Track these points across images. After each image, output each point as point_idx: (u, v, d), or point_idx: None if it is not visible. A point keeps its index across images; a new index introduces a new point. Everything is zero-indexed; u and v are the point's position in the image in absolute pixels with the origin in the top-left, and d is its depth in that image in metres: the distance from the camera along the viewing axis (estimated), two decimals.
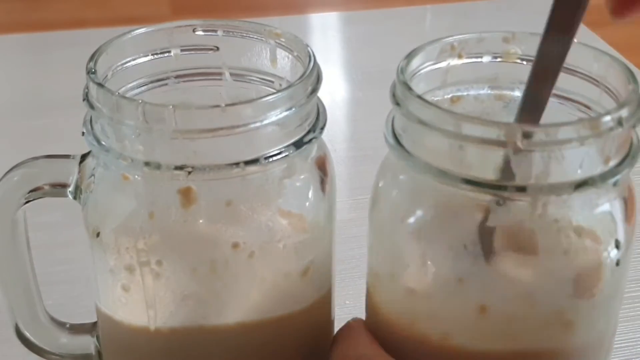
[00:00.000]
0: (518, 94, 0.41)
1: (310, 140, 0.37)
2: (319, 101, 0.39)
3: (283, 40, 0.41)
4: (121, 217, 0.38)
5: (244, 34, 0.42)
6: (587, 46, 0.39)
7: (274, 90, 0.38)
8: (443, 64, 0.41)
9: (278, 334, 0.40)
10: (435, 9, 0.99)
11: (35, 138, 0.75)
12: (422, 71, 0.40)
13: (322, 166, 0.40)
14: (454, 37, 0.41)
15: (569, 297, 0.36)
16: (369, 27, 0.92)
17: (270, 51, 0.41)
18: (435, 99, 0.41)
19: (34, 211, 0.42)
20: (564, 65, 0.39)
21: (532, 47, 0.40)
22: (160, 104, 0.35)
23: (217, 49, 0.42)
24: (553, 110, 0.40)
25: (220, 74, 0.42)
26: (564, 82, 0.40)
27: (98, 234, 0.38)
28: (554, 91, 0.40)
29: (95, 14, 1.68)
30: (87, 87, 0.37)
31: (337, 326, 0.43)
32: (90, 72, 0.37)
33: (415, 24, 0.91)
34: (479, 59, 0.41)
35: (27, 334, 0.44)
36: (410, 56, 0.39)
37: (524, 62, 0.41)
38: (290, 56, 0.40)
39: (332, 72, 0.88)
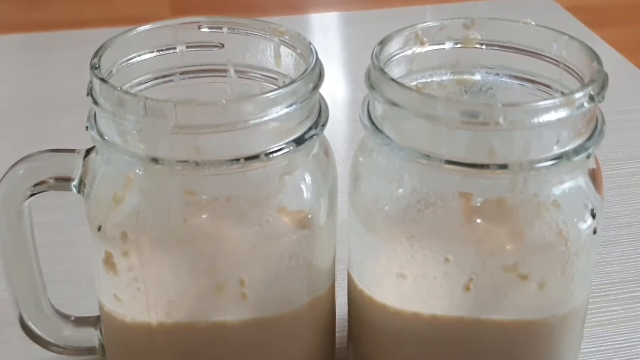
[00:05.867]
0: (478, 77, 0.33)
1: (311, 137, 0.30)
2: (321, 98, 0.32)
3: (287, 37, 0.33)
4: (123, 212, 0.30)
5: (249, 32, 0.33)
6: (544, 27, 0.32)
7: (278, 87, 0.30)
8: (409, 52, 0.33)
9: (278, 332, 0.32)
10: (435, 9, 0.85)
11: (35, 138, 0.63)
12: (392, 59, 0.32)
13: (323, 163, 0.32)
14: (419, 26, 0.32)
15: (551, 269, 0.28)
16: (369, 27, 0.76)
17: (274, 48, 0.33)
18: None
19: (35, 211, 0.33)
20: (524, 47, 0.32)
21: (491, 33, 0.33)
22: (161, 100, 0.28)
23: (222, 46, 0.33)
24: (514, 92, 0.33)
25: (225, 70, 0.34)
26: (523, 63, 0.32)
27: (100, 228, 0.30)
28: (514, 73, 0.32)
29: (94, 14, 1.52)
30: (90, 82, 0.29)
31: (339, 326, 0.35)
32: (94, 67, 0.29)
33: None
34: (441, 46, 0.33)
35: (32, 326, 0.35)
36: (382, 43, 0.31)
37: (484, 47, 0.33)
38: (293, 54, 0.32)
39: (332, 72, 0.74)
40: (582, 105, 0.27)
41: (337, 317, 0.35)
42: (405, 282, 0.30)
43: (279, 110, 0.28)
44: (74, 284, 0.43)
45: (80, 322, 0.35)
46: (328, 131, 0.31)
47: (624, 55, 0.70)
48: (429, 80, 0.34)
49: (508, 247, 0.28)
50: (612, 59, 0.68)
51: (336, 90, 0.69)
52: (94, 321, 0.35)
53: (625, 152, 0.55)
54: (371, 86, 0.29)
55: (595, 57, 0.29)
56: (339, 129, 0.63)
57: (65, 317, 0.35)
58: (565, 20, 0.75)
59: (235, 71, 0.34)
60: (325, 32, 0.80)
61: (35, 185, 0.31)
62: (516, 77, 0.33)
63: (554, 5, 0.79)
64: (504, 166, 0.27)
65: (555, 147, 0.28)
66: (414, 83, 0.33)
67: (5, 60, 0.74)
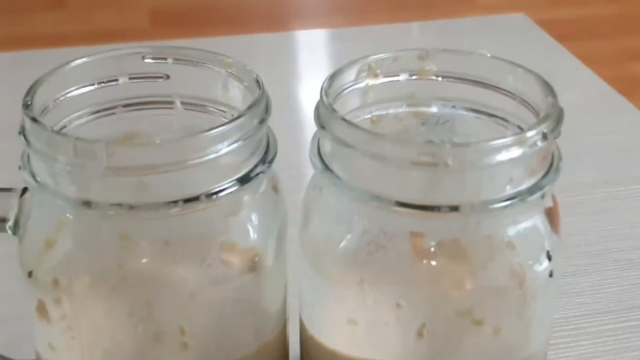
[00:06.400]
0: (435, 110, 0.32)
1: (257, 175, 0.28)
2: (270, 132, 0.30)
3: (234, 69, 0.31)
4: (55, 257, 0.28)
5: (195, 62, 0.32)
6: (500, 59, 0.31)
7: (226, 120, 0.28)
8: (362, 84, 0.31)
9: None
10: (420, 26, 0.85)
11: (12, 161, 0.61)
12: (344, 92, 0.30)
13: (272, 201, 0.30)
14: (371, 57, 0.31)
15: (507, 313, 0.27)
16: (355, 44, 0.74)
17: (221, 80, 0.32)
18: (357, 119, 0.31)
19: None
20: (480, 79, 0.31)
21: (446, 64, 0.32)
22: (91, 140, 0.26)
23: (168, 77, 0.32)
24: (471, 125, 0.31)
25: (171, 102, 0.32)
26: (480, 96, 0.31)
27: (30, 274, 0.29)
28: (471, 106, 0.31)
29: (75, 28, 1.50)
30: (23, 121, 0.27)
31: None
32: (26, 105, 0.28)
33: (401, 40, 0.75)
34: (396, 78, 0.32)
35: None
36: (332, 77, 0.30)
37: (440, 79, 0.31)
38: (241, 86, 0.31)
39: (318, 90, 0.73)
40: (535, 143, 0.26)
41: (292, 357, 0.34)
42: (357, 328, 0.29)
43: (222, 148, 0.27)
44: (25, 320, 0.41)
45: None
46: (304, 154, 0.29)
47: (598, 69, 0.69)
48: (384, 112, 0.32)
49: (461, 291, 0.27)
50: (585, 78, 0.67)
51: None
52: None
53: (596, 176, 0.54)
54: (320, 124, 0.28)
55: (551, 91, 0.28)
56: None
57: None
58: (539, 37, 0.75)
59: (182, 103, 0.32)
60: (311, 49, 0.78)
61: None
62: (473, 110, 0.31)
63: (528, 22, 0.78)
64: (455, 208, 0.26)
65: (508, 187, 0.26)
66: (369, 116, 0.32)
67: None
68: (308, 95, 0.72)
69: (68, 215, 0.27)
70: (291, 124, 0.59)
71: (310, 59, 0.76)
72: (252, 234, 0.29)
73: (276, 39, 0.85)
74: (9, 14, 1.53)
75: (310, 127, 0.30)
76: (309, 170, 0.30)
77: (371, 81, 0.32)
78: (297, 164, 0.35)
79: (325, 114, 0.28)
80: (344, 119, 0.27)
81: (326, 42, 0.83)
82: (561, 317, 0.41)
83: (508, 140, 0.26)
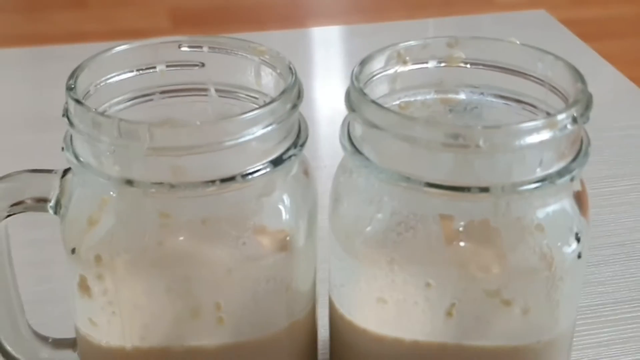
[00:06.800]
0: (463, 96, 0.33)
1: (289, 157, 0.29)
2: (301, 117, 0.31)
3: (267, 57, 0.32)
4: (97, 235, 0.29)
5: (229, 51, 0.33)
6: (529, 46, 0.31)
7: (258, 107, 0.29)
8: (391, 71, 0.32)
9: (257, 357, 0.31)
10: (437, 23, 0.83)
11: (34, 152, 0.63)
12: (373, 79, 0.31)
13: (303, 184, 0.31)
14: (401, 44, 0.32)
15: (535, 294, 0.28)
16: (371, 41, 0.75)
17: (254, 68, 0.33)
18: (385, 105, 0.32)
19: (19, 228, 0.32)
20: (509, 66, 0.31)
21: (475, 51, 0.32)
22: (135, 121, 0.27)
23: (203, 65, 0.33)
24: (499, 112, 0.32)
25: (205, 90, 0.33)
26: (509, 83, 0.32)
27: (74, 250, 0.30)
28: (499, 92, 0.32)
29: (95, 27, 1.50)
30: (66, 103, 0.29)
31: (321, 348, 0.34)
32: (69, 88, 0.29)
33: (418, 37, 0.75)
34: (425, 65, 0.32)
35: (8, 348, 0.34)
36: (362, 63, 0.30)
37: (468, 66, 0.32)
38: (274, 73, 0.32)
39: (334, 86, 0.71)
40: (565, 127, 0.27)
41: (320, 339, 0.35)
42: (386, 307, 0.29)
43: (256, 131, 0.28)
44: (58, 303, 0.42)
45: (59, 344, 0.34)
46: (330, 145, 0.30)
47: (619, 68, 0.69)
48: (412, 99, 0.33)
49: (490, 272, 0.28)
50: (607, 74, 0.68)
51: (337, 104, 0.68)
52: (72, 343, 0.34)
53: (620, 169, 0.54)
54: (351, 107, 0.29)
55: (580, 77, 0.29)
56: (337, 143, 0.62)
57: (44, 339, 0.34)
58: (560, 33, 0.75)
59: (216, 90, 0.33)
60: (327, 46, 0.79)
61: (12, 205, 0.31)
62: (501, 97, 0.32)
63: (549, 19, 0.79)
64: (485, 189, 0.27)
65: (538, 170, 0.27)
66: (397, 102, 0.33)
67: (7, 74, 0.73)
68: (323, 91, 0.74)
69: (111, 193, 0.28)
70: (308, 119, 0.60)
71: (327, 56, 0.77)
72: (284, 215, 0.30)
73: (292, 35, 0.86)
74: (31, 12, 1.54)
75: (326, 123, 0.31)
76: (326, 161, 0.30)
77: (400, 68, 0.32)
78: (314, 155, 0.35)
79: (356, 97, 0.29)
80: (374, 102, 0.28)
81: (342, 39, 0.83)
82: (583, 305, 0.42)
83: (539, 122, 0.26)
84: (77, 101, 0.28)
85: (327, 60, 0.76)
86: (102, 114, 0.28)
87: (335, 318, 0.32)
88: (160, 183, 0.27)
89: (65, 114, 0.28)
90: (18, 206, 0.31)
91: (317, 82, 0.70)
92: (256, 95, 0.33)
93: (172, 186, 0.27)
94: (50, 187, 0.30)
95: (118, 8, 1.58)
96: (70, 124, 0.28)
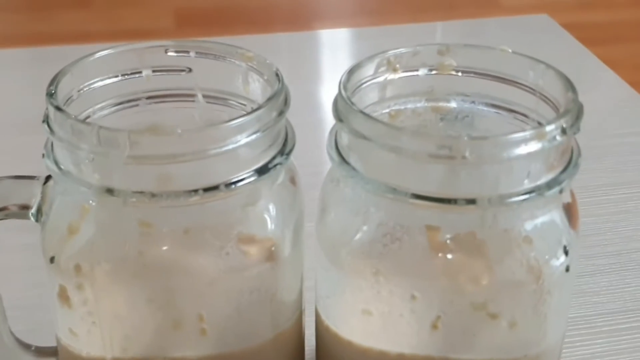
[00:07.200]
0: (454, 105, 0.32)
1: (275, 166, 0.28)
2: (288, 124, 0.30)
3: (254, 63, 0.32)
4: (77, 243, 0.28)
5: (217, 56, 0.32)
6: (521, 55, 0.31)
7: (246, 113, 0.29)
8: (381, 79, 0.32)
9: None
10: (445, 26, 0.83)
11: (37, 154, 0.62)
12: (362, 86, 0.31)
13: (289, 192, 0.31)
14: (390, 52, 0.31)
15: (522, 307, 0.27)
16: (378, 43, 0.73)
17: (242, 74, 0.32)
18: (375, 114, 0.31)
19: (7, 232, 0.32)
20: (500, 74, 0.31)
21: (466, 59, 0.32)
22: (114, 129, 0.26)
23: (190, 70, 0.32)
24: (490, 120, 0.32)
25: (192, 95, 0.33)
26: (500, 91, 0.31)
27: (52, 259, 0.29)
28: (490, 101, 0.31)
29: (100, 27, 1.49)
30: (47, 110, 0.28)
31: (309, 358, 0.33)
32: (50, 94, 0.28)
33: (423, 40, 0.74)
34: (415, 72, 0.32)
35: None
36: (351, 71, 0.30)
37: (459, 74, 0.32)
38: (261, 80, 0.31)
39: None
40: (554, 138, 0.26)
41: (308, 348, 0.34)
42: (371, 319, 0.29)
43: (241, 139, 0.27)
44: (46, 309, 0.42)
45: (41, 352, 0.34)
46: (320, 152, 0.29)
47: (625, 73, 0.68)
48: (402, 107, 0.33)
49: (477, 285, 0.27)
50: (607, 79, 0.67)
51: None
52: (55, 351, 0.33)
53: (618, 177, 0.54)
54: (338, 116, 0.28)
55: (571, 86, 0.28)
56: None
57: (26, 347, 0.34)
58: (562, 38, 0.74)
59: (204, 96, 0.33)
60: (334, 48, 0.78)
61: None
62: (493, 105, 0.32)
63: (552, 23, 0.78)
64: (472, 201, 0.26)
65: (526, 181, 0.27)
66: (387, 110, 0.32)
67: (9, 75, 0.73)
68: (330, 93, 0.72)
69: (90, 202, 0.27)
70: (313, 122, 0.59)
71: (333, 58, 0.76)
72: (270, 224, 0.29)
73: (299, 37, 0.85)
74: (33, 11, 1.54)
75: (331, 125, 0.30)
76: (329, 167, 0.30)
77: (390, 76, 0.32)
78: (318, 160, 0.35)
79: (343, 106, 0.28)
80: (361, 112, 0.28)
81: (348, 41, 0.83)
82: (577, 315, 0.41)
83: (527, 134, 0.26)
84: (57, 107, 0.27)
85: (333, 63, 0.75)
86: (82, 120, 0.28)
87: (321, 329, 0.32)
88: (141, 192, 0.26)
89: (46, 120, 0.28)
90: (0, 212, 0.31)
91: (324, 85, 0.70)
92: (244, 102, 0.32)
93: (153, 195, 0.26)
94: (32, 194, 0.30)
95: (122, 8, 1.58)
96: (51, 130, 0.27)
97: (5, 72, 0.72)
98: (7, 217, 0.31)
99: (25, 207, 0.30)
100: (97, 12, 1.59)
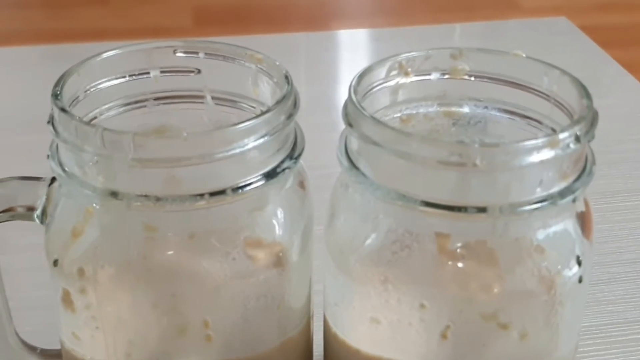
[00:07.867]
0: (467, 110, 0.32)
1: (283, 170, 0.28)
2: (297, 127, 0.30)
3: (264, 65, 0.31)
4: (81, 247, 0.28)
5: (226, 57, 0.32)
6: (536, 60, 0.30)
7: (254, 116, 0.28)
8: (392, 83, 0.31)
9: None
10: (464, 27, 0.82)
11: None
12: (373, 90, 0.30)
13: (298, 197, 0.30)
14: (402, 55, 0.31)
15: (534, 318, 0.27)
16: (396, 44, 0.73)
17: (251, 76, 0.31)
18: (387, 118, 0.31)
19: (15, 232, 0.31)
20: (514, 80, 0.30)
21: (479, 64, 0.31)
22: (118, 131, 0.26)
23: (199, 71, 0.32)
24: (503, 126, 0.31)
25: (201, 97, 0.32)
26: (513, 97, 0.31)
27: (56, 262, 0.29)
28: (504, 107, 0.31)
29: (116, 24, 1.49)
30: (52, 111, 0.28)
31: None
32: (55, 95, 0.28)
33: (442, 42, 0.74)
34: (427, 77, 0.31)
35: None
36: (361, 75, 0.29)
37: (472, 78, 0.31)
38: (270, 82, 0.31)
39: None
40: (568, 146, 0.26)
41: (316, 355, 0.34)
42: (380, 328, 0.28)
43: (248, 143, 0.27)
44: (52, 310, 0.41)
45: (46, 355, 0.33)
46: (334, 153, 0.29)
47: (636, 76, 0.67)
48: (414, 112, 0.32)
49: (487, 294, 0.27)
50: (626, 84, 0.66)
51: None
52: (60, 354, 0.33)
53: (635, 183, 0.53)
54: (348, 121, 0.28)
55: (586, 93, 0.28)
56: None
57: (32, 349, 0.33)
58: (581, 41, 0.73)
59: (212, 98, 0.32)
60: (352, 49, 0.77)
61: (1, 212, 0.30)
62: (506, 111, 0.31)
63: (570, 26, 0.77)
64: (482, 209, 0.26)
65: (538, 190, 0.26)
66: (398, 114, 0.32)
67: (25, 72, 0.73)
68: (346, 95, 0.72)
69: (95, 205, 0.27)
70: (328, 123, 0.59)
71: (350, 59, 0.76)
72: (278, 230, 0.29)
73: (317, 38, 0.84)
74: (50, 8, 1.54)
75: None
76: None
77: (402, 79, 0.31)
78: (332, 162, 0.35)
79: (353, 111, 0.28)
80: (371, 117, 0.27)
81: (367, 42, 0.82)
82: (592, 324, 0.41)
83: (539, 141, 0.25)
84: (62, 109, 0.27)
85: (351, 63, 0.74)
86: (86, 122, 0.28)
87: (329, 337, 0.31)
88: (146, 196, 0.26)
89: (50, 121, 0.28)
90: (6, 213, 0.30)
91: (340, 86, 0.69)
92: (253, 104, 0.32)
93: (158, 199, 0.26)
94: (37, 196, 0.30)
95: (140, 6, 1.58)
96: (55, 132, 0.27)
97: (21, 69, 0.72)
98: (12, 218, 0.30)
99: (31, 209, 0.30)
100: (114, 9, 1.59)
